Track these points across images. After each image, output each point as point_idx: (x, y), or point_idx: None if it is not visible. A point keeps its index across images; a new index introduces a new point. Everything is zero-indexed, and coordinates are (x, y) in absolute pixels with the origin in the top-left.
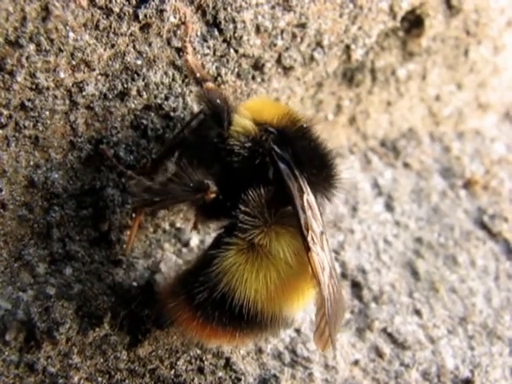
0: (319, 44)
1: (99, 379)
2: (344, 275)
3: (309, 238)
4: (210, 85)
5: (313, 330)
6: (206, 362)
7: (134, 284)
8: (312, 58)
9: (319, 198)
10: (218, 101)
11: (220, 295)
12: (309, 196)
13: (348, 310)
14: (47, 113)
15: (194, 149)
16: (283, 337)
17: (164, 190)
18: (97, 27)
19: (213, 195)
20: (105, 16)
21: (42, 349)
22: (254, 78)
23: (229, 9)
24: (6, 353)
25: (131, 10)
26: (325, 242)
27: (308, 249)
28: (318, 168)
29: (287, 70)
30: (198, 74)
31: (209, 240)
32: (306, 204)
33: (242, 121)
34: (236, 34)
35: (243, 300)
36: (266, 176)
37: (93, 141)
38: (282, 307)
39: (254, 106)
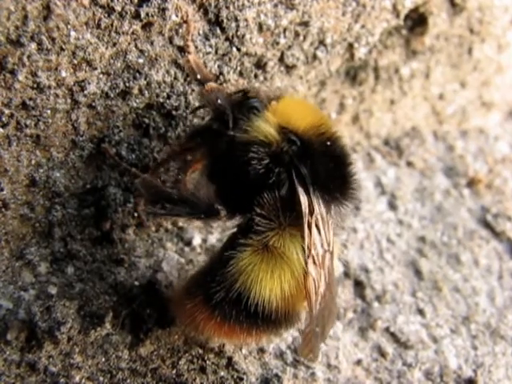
0: (322, 42)
1: (101, 379)
2: (347, 274)
3: (309, 260)
4: (211, 85)
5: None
6: (207, 362)
7: (136, 283)
8: (315, 57)
9: (334, 208)
10: (219, 101)
11: (236, 294)
12: (319, 214)
13: (351, 309)
14: (49, 112)
15: (204, 152)
16: (285, 336)
17: (172, 208)
18: (98, 26)
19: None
20: (106, 15)
21: (44, 348)
22: (256, 76)
23: (231, 7)
24: (8, 352)
25: (133, 9)
26: (327, 258)
27: (307, 270)
28: (336, 184)
29: (290, 68)
30: (198, 75)
31: (212, 240)
32: (314, 223)
33: (266, 127)
34: (238, 33)
35: (258, 299)
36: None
37: (94, 140)
38: (296, 305)
39: (286, 108)
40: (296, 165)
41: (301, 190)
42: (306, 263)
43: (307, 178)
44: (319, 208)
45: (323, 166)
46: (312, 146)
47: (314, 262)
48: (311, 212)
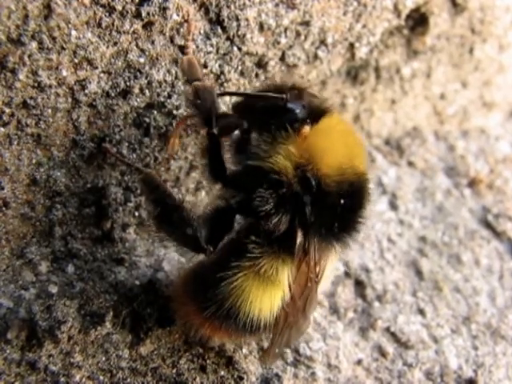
0: (323, 42)
1: (101, 378)
2: (347, 274)
3: (287, 299)
4: (196, 83)
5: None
6: (208, 361)
7: (137, 282)
8: (316, 56)
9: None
10: (201, 100)
11: (226, 312)
12: (312, 254)
13: (351, 309)
14: (49, 111)
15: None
16: None
17: (165, 236)
18: (99, 25)
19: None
20: (107, 14)
21: (44, 347)
22: (257, 75)
23: (232, 7)
24: (8, 351)
25: (134, 8)
26: (310, 290)
27: (283, 307)
28: (340, 231)
29: (291, 67)
30: (186, 75)
31: None
32: (304, 262)
33: (283, 164)
34: (239, 32)
35: (247, 317)
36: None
37: (95, 139)
38: None
39: (317, 137)
40: (303, 210)
41: (300, 234)
42: (286, 301)
43: (310, 224)
44: (314, 250)
45: (332, 216)
46: (328, 194)
47: (292, 298)
48: (305, 253)
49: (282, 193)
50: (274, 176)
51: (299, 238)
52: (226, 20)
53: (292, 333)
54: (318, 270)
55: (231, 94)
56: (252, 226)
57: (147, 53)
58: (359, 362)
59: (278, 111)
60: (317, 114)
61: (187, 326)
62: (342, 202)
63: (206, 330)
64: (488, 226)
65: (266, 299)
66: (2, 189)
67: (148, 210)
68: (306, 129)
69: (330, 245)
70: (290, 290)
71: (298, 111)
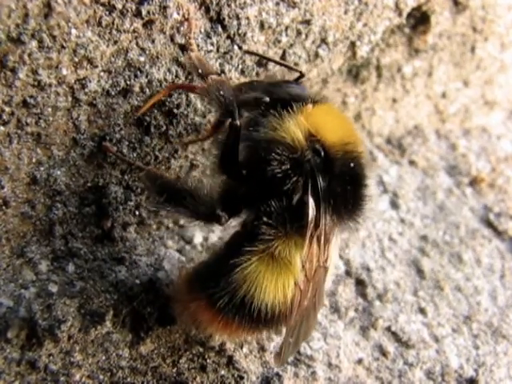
0: (324, 41)
1: (101, 377)
2: (348, 273)
3: (301, 273)
4: (213, 77)
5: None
6: (208, 360)
7: (137, 281)
8: (317, 55)
9: (339, 225)
10: (221, 92)
11: (240, 300)
12: (323, 229)
13: (352, 308)
14: (49, 110)
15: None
16: None
17: (175, 207)
18: (99, 24)
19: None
20: (107, 12)
21: (44, 346)
22: (258, 74)
23: (232, 5)
24: (8, 350)
25: (134, 7)
26: (320, 273)
27: (297, 285)
28: (348, 205)
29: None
30: (200, 70)
31: (213, 238)
32: (315, 237)
33: (295, 131)
34: (240, 31)
35: (261, 305)
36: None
37: (95, 138)
38: None
39: (320, 115)
40: (314, 176)
41: (311, 203)
42: (299, 279)
43: (322, 192)
44: (325, 224)
45: (340, 186)
46: (335, 163)
47: (306, 275)
48: (316, 226)
49: (296, 157)
50: (288, 141)
51: (311, 210)
52: (226, 19)
53: (302, 328)
54: (326, 253)
55: (256, 54)
56: (262, 209)
57: (147, 51)
58: (360, 362)
59: (288, 87)
60: (316, 100)
61: (192, 325)
62: (351, 166)
63: (217, 326)
64: (489, 225)
65: (280, 284)
66: (2, 188)
67: (149, 208)
68: (309, 106)
69: (340, 218)
70: (304, 268)
71: (306, 91)
